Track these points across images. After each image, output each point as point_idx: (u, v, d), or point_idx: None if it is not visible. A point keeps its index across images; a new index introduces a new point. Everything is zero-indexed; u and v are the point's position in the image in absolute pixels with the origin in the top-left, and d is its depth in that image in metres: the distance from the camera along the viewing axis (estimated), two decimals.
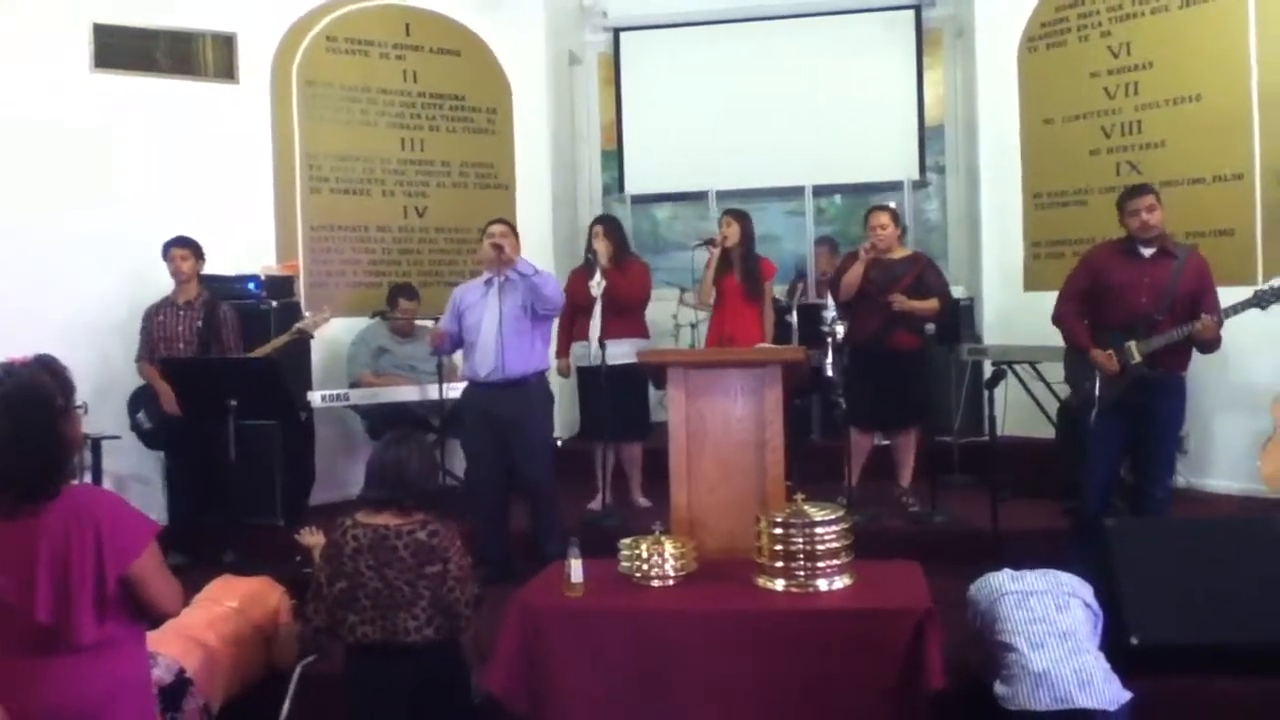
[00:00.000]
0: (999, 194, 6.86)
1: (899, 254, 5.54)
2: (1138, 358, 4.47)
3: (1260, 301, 4.44)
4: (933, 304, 5.41)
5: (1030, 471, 5.73)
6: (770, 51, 8.11)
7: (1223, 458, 5.85)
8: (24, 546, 2.32)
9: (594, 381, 5.57)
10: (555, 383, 5.62)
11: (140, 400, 5.54)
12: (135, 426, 5.59)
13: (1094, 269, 4.72)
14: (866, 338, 5.36)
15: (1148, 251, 4.55)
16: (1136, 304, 4.51)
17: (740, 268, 5.77)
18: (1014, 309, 6.69)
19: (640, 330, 5.79)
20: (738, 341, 5.59)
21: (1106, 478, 4.66)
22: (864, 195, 7.89)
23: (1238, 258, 5.67)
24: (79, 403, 2.53)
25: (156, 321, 5.46)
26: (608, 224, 5.80)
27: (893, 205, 5.78)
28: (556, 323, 5.86)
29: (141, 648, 2.56)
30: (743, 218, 5.87)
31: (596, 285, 5.48)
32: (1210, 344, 4.50)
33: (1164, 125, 6.12)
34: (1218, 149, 5.88)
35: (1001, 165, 6.83)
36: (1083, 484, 4.72)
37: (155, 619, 2.57)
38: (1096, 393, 4.59)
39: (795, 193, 8.23)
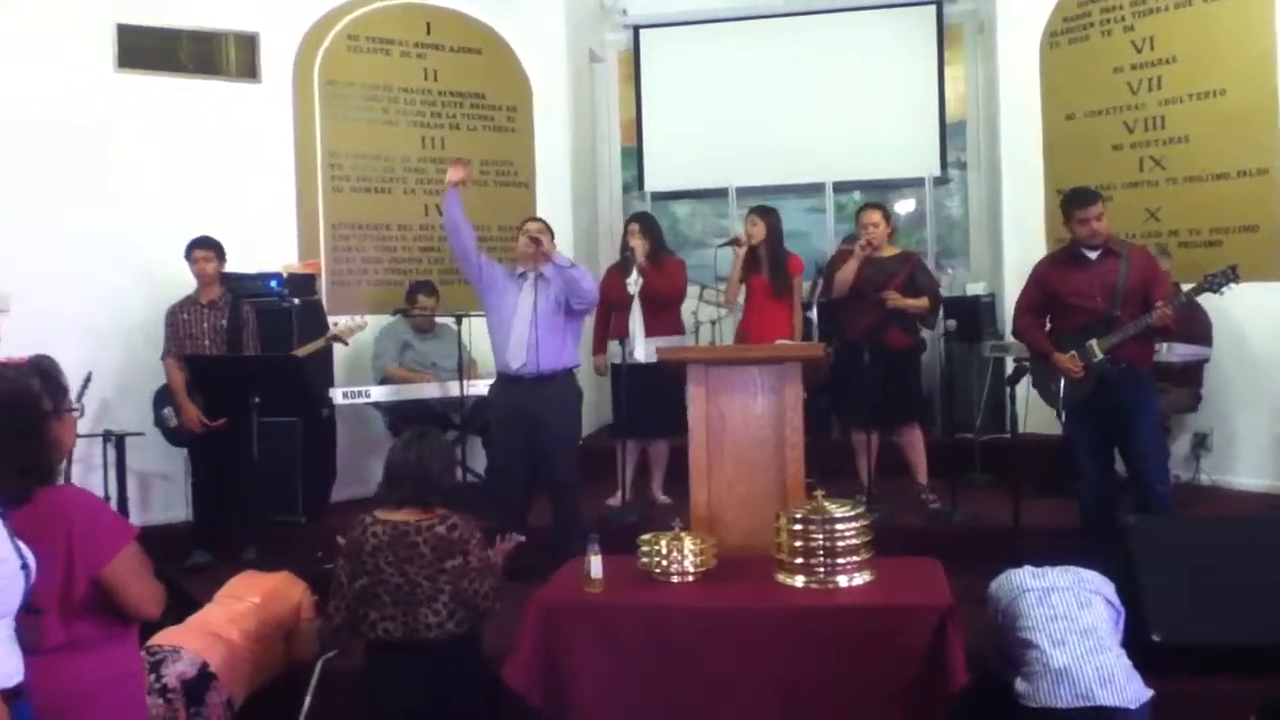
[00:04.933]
0: (1021, 190, 6.82)
1: (889, 252, 5.57)
2: (1100, 355, 4.50)
3: (1211, 285, 4.47)
4: (923, 302, 5.45)
5: (1052, 469, 5.70)
6: (790, 48, 8.09)
7: (1247, 455, 5.81)
8: None
9: (631, 378, 5.57)
10: (584, 381, 5.62)
11: (165, 397, 5.57)
12: (160, 423, 5.62)
13: (1042, 281, 4.79)
14: (859, 335, 5.37)
15: (1093, 254, 4.63)
16: (1092, 304, 4.57)
17: (768, 265, 5.77)
18: None
19: (677, 327, 5.82)
20: (765, 340, 5.58)
21: (1098, 476, 4.67)
22: (885, 192, 7.86)
23: (1262, 254, 5.62)
24: (75, 406, 2.54)
25: (180, 320, 5.49)
26: (644, 221, 5.81)
27: (884, 204, 5.83)
28: (592, 320, 5.89)
29: (124, 647, 2.54)
30: (769, 215, 5.86)
31: (634, 283, 5.47)
32: (1174, 329, 4.60)
33: (1187, 120, 6.07)
34: (1242, 144, 5.83)
35: (1023, 161, 6.78)
36: (1076, 486, 4.74)
37: (135, 620, 2.55)
38: (1061, 395, 4.62)
39: (816, 189, 8.21)
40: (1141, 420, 4.57)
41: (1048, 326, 4.78)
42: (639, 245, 5.58)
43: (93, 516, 2.43)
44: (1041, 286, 4.78)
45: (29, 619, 2.31)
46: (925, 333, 5.86)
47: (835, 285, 5.49)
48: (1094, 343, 4.51)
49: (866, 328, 5.39)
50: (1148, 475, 4.56)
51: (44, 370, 2.49)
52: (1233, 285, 4.44)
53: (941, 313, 5.86)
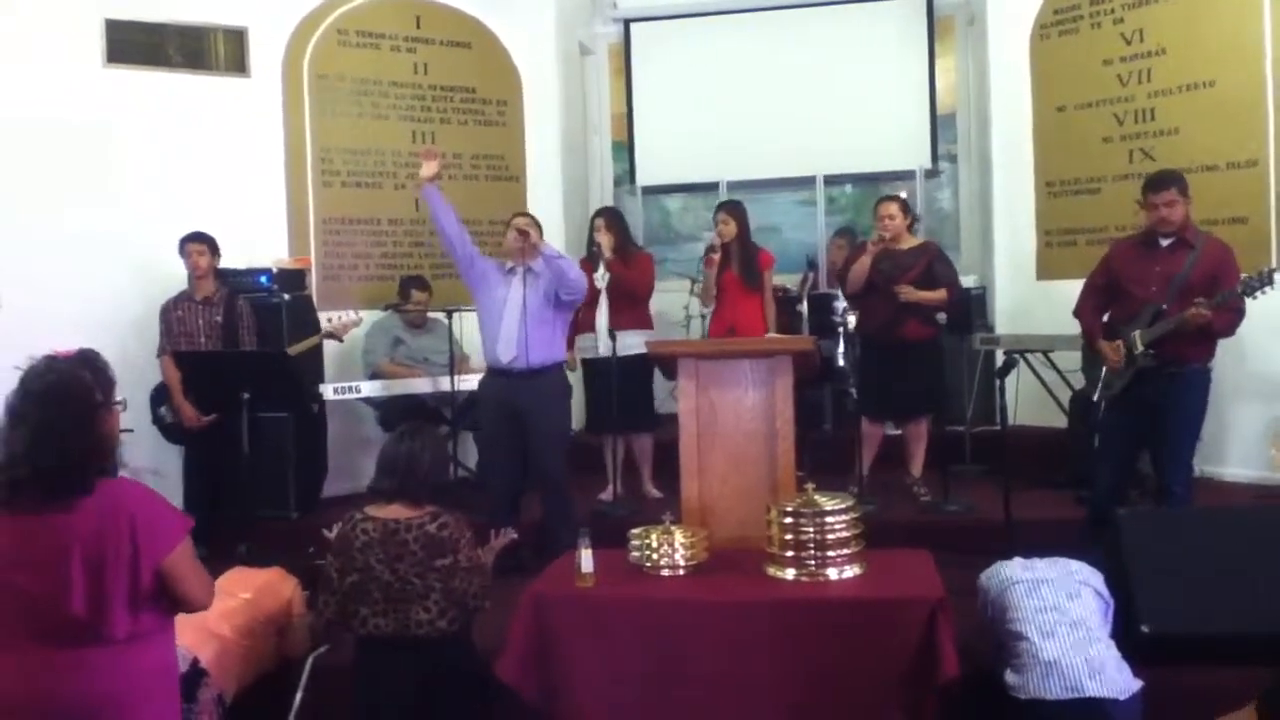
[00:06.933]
0: (1011, 182, 6.83)
1: (908, 244, 5.52)
2: (1141, 346, 4.43)
3: (1246, 289, 4.32)
4: (940, 294, 5.39)
5: (1042, 460, 5.72)
6: (781, 41, 8.09)
7: (1237, 446, 5.81)
8: (57, 540, 2.33)
9: (600, 373, 5.60)
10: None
11: (163, 394, 5.57)
12: (157, 420, 5.62)
13: (1110, 263, 4.71)
14: (876, 328, 5.35)
15: (1165, 242, 4.50)
16: (1147, 294, 4.47)
17: (738, 260, 5.78)
18: (1026, 298, 6.67)
19: (646, 322, 5.81)
20: (740, 333, 5.60)
21: (1120, 469, 4.63)
22: (876, 184, 7.88)
23: (1251, 245, 5.61)
24: (119, 398, 2.56)
25: (175, 316, 5.49)
26: (609, 216, 5.81)
27: (902, 195, 5.78)
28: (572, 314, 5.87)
29: (170, 639, 2.58)
30: (737, 210, 5.88)
31: (601, 277, 5.50)
32: (1217, 330, 4.39)
33: (1177, 112, 6.08)
34: (1231, 136, 5.84)
35: (1014, 153, 6.80)
36: (1093, 476, 4.72)
37: (187, 612, 2.59)
38: (1100, 383, 4.59)
39: (807, 182, 8.22)
40: (1175, 419, 4.46)
41: (1105, 315, 4.70)
42: (605, 240, 5.58)
43: (152, 508, 2.46)
44: (1107, 267, 4.69)
45: (93, 614, 2.33)
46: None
47: (849, 280, 5.47)
48: (1138, 334, 4.44)
49: (880, 322, 5.38)
50: (1168, 475, 4.52)
51: (92, 362, 2.52)
52: (1268, 289, 4.27)
53: None
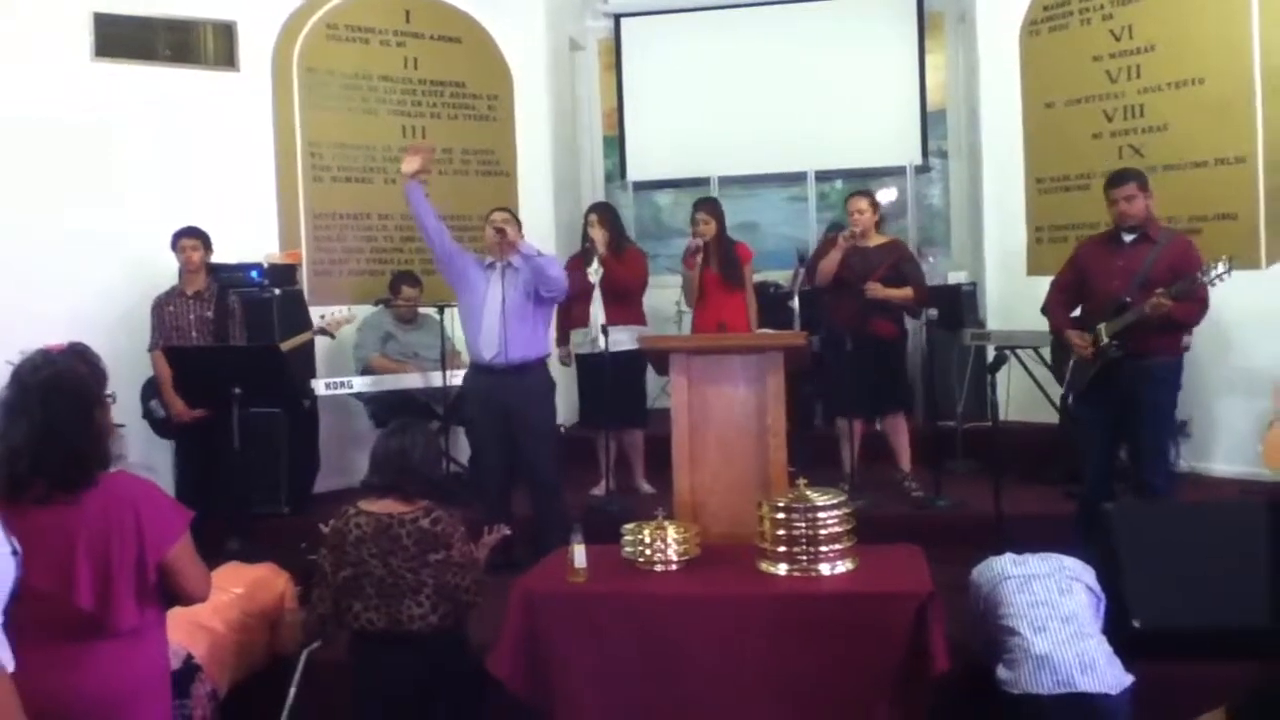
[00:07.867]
0: (1001, 178, 6.85)
1: (876, 241, 5.56)
2: (1105, 339, 4.46)
3: (1206, 276, 4.31)
4: (906, 292, 5.43)
5: (1033, 456, 5.74)
6: (772, 36, 8.10)
7: (1224, 441, 5.84)
8: (61, 534, 2.33)
9: (592, 368, 5.59)
10: (555, 370, 5.63)
11: (153, 389, 5.54)
12: (148, 414, 5.60)
13: (1076, 259, 4.77)
14: (843, 325, 5.38)
15: (1129, 237, 4.56)
16: (1110, 288, 4.51)
17: (717, 257, 5.77)
18: (1016, 293, 6.67)
19: (639, 318, 5.81)
20: (728, 329, 5.59)
21: (1101, 463, 4.66)
22: (866, 180, 7.87)
23: (1240, 241, 5.64)
24: (109, 392, 2.55)
25: (166, 311, 5.46)
26: (603, 211, 5.81)
27: (872, 192, 5.83)
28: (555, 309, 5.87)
29: (164, 633, 2.59)
30: (717, 209, 5.87)
31: (594, 272, 5.50)
32: (1179, 320, 4.42)
33: (1166, 108, 6.10)
34: (1220, 132, 5.86)
35: (1004, 149, 6.81)
36: (1082, 473, 4.74)
37: (185, 605, 2.59)
38: (1068, 377, 4.62)
39: (797, 178, 8.23)
40: (1146, 413, 4.49)
41: (1079, 310, 4.73)
42: (599, 235, 5.59)
43: (155, 501, 2.46)
44: (1074, 264, 4.75)
45: (100, 607, 2.33)
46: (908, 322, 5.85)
47: (818, 275, 5.50)
48: (1102, 326, 4.47)
49: (849, 317, 5.39)
50: (1146, 469, 4.55)
51: (86, 356, 2.52)
52: (1226, 277, 4.27)
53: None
